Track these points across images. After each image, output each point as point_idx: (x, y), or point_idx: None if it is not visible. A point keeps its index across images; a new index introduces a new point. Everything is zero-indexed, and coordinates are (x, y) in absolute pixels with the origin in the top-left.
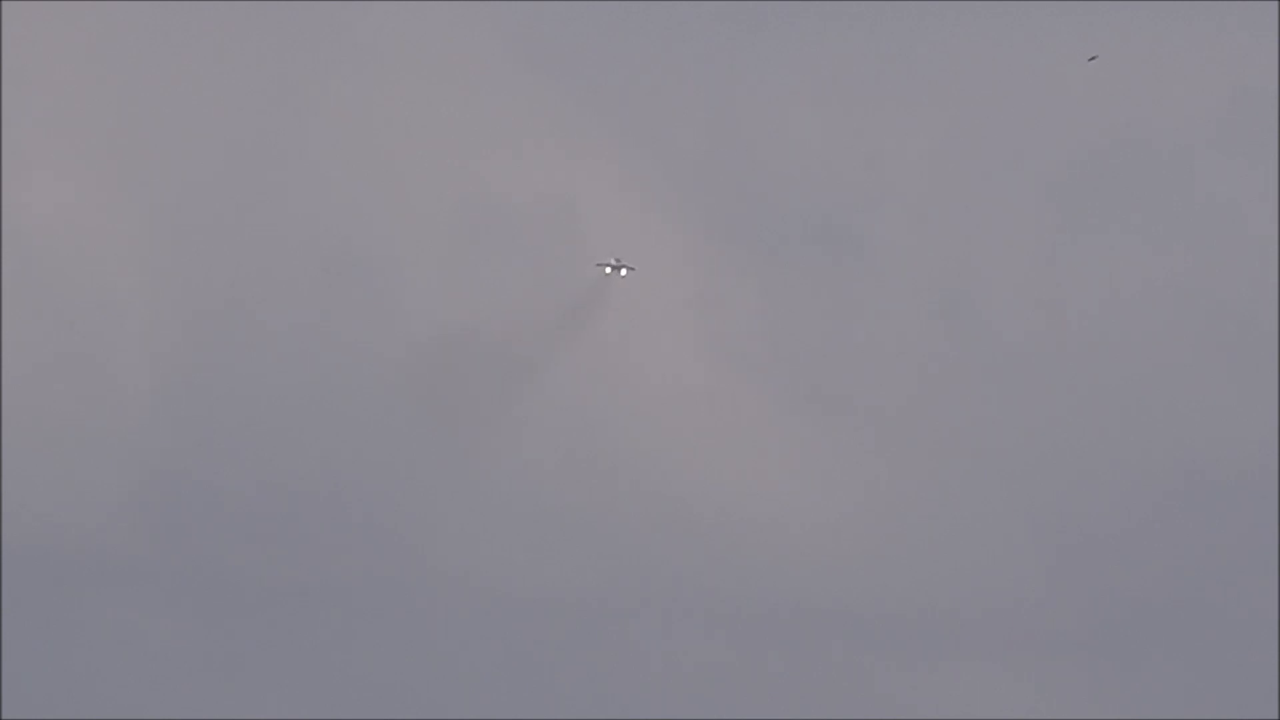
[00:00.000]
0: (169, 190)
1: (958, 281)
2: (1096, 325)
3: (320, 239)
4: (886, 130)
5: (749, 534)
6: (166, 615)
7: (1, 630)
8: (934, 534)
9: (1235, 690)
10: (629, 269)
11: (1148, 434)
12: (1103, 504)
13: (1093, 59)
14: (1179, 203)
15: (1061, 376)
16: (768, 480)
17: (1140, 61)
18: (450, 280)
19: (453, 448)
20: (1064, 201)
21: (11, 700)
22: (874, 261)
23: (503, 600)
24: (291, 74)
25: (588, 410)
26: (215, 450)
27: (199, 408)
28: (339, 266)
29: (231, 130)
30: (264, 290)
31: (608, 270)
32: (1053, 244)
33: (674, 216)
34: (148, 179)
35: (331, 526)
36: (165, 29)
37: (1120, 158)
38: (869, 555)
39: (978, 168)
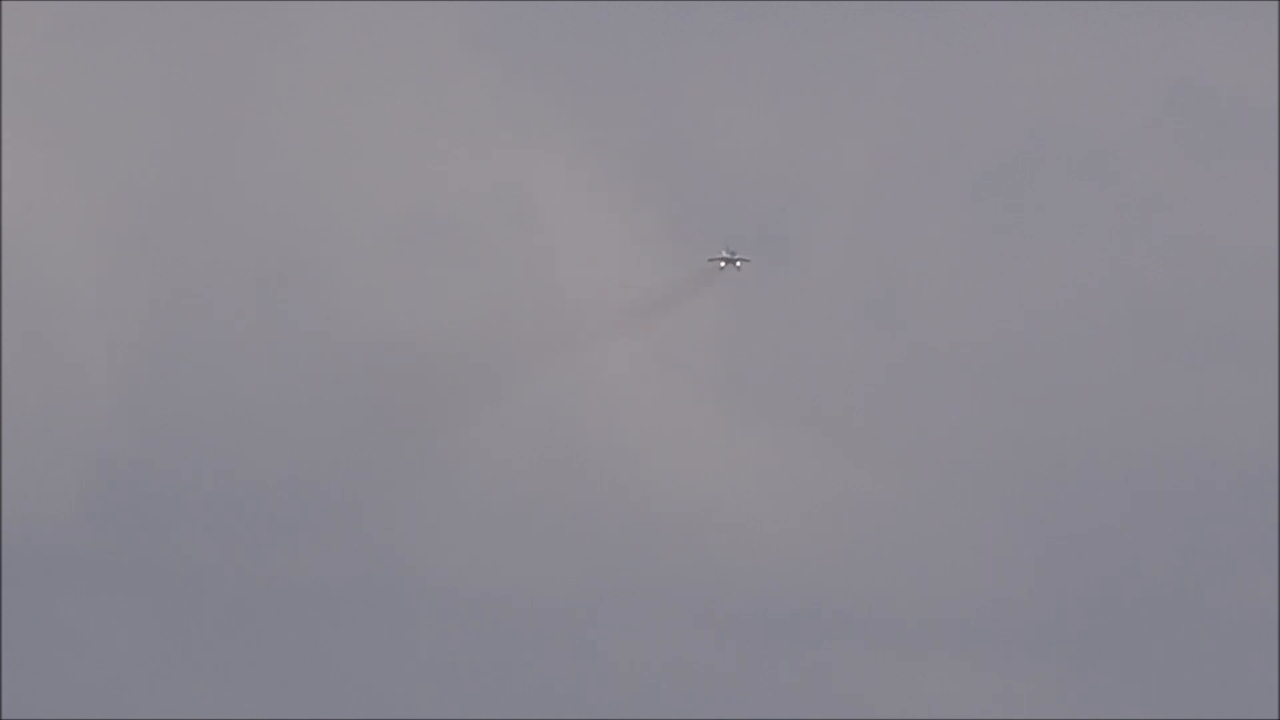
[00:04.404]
0: (128, 185)
1: (909, 280)
2: (1049, 323)
3: (288, 237)
4: (831, 132)
5: (722, 536)
6: (132, 616)
7: None
8: (906, 535)
9: (1224, 689)
10: (744, 260)
11: (1109, 429)
12: (1076, 502)
13: None
14: (1117, 201)
15: (1015, 374)
16: (737, 482)
17: (1074, 60)
18: (413, 282)
19: (421, 449)
20: (1004, 200)
21: None
22: (822, 263)
23: (472, 602)
24: (252, 71)
25: (550, 415)
26: (179, 449)
27: (163, 407)
28: (302, 265)
29: (191, 129)
30: (230, 287)
31: (721, 264)
32: (995, 242)
33: (628, 220)
34: (105, 173)
35: (299, 526)
36: (120, 26)
37: (1060, 155)
38: (842, 557)
39: (923, 168)
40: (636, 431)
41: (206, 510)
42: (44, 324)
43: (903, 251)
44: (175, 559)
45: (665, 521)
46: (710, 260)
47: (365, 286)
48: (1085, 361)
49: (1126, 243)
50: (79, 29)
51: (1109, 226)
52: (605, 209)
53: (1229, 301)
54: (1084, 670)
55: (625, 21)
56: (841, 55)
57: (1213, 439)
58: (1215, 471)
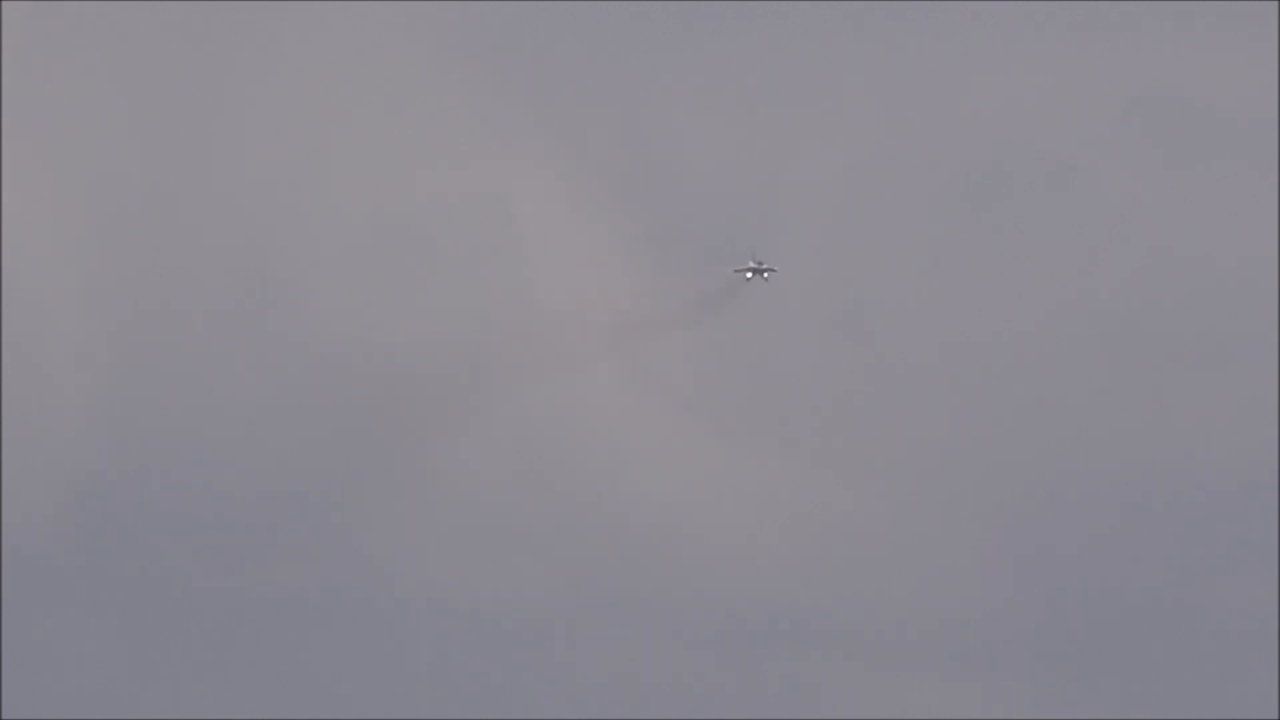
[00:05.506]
0: (107, 197)
1: (888, 293)
2: (1026, 334)
3: (268, 250)
4: (808, 145)
5: (701, 550)
6: (112, 627)
7: None
8: (884, 548)
9: (1209, 697)
10: (771, 271)
11: (1085, 439)
12: (1054, 513)
13: None
14: (1091, 211)
15: (992, 386)
16: (716, 497)
17: (1045, 72)
18: (395, 294)
19: (402, 462)
20: (982, 212)
21: None
22: (799, 276)
23: (450, 614)
24: (231, 82)
25: (530, 429)
26: (158, 463)
27: (142, 420)
28: (283, 279)
29: (170, 139)
30: (210, 301)
31: (748, 275)
32: (973, 254)
33: (609, 232)
34: (84, 184)
35: (279, 538)
36: (99, 35)
37: (1034, 165)
38: (820, 570)
39: (903, 179)
40: (617, 446)
41: (186, 522)
42: (23, 334)
43: (881, 264)
44: (154, 571)
45: (645, 535)
46: (737, 271)
47: (349, 300)
48: (1062, 371)
49: (1099, 252)
50: (59, 38)
51: (1082, 237)
52: (586, 221)
53: (1205, 310)
54: (1063, 679)
55: (607, 31)
56: (819, 67)
57: (1191, 447)
58: (1194, 479)
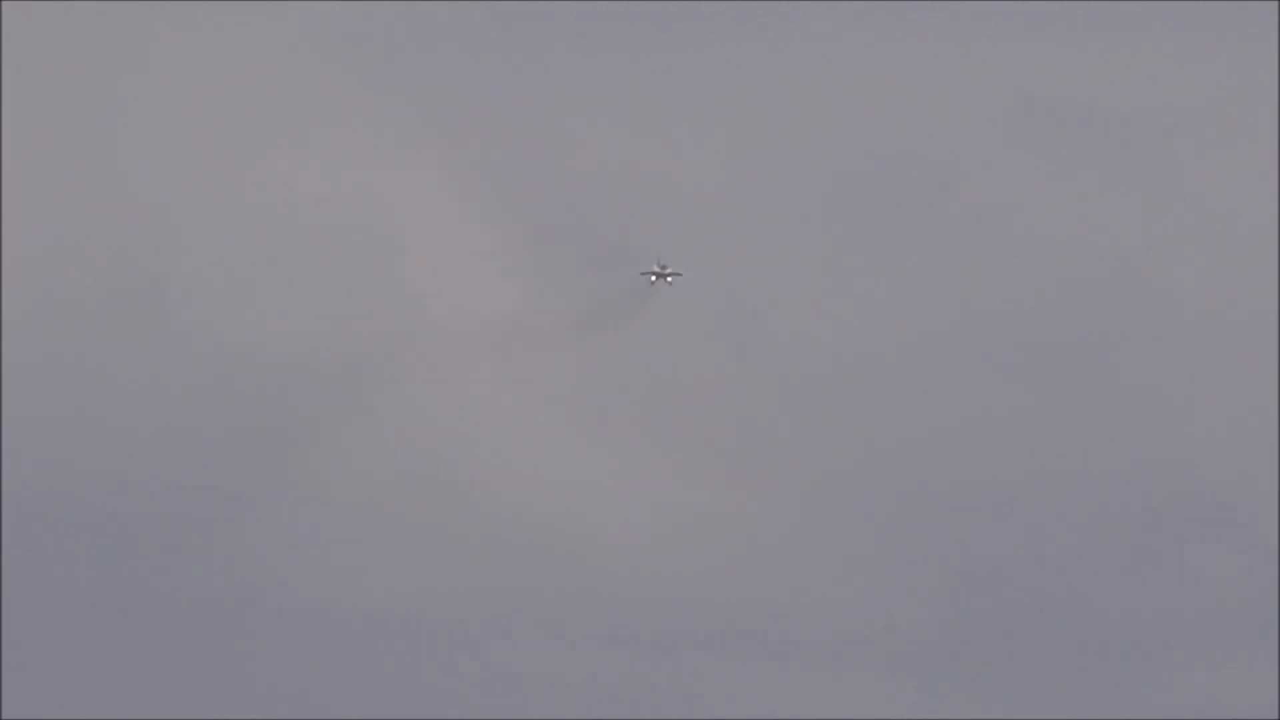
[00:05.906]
0: None
1: (778, 296)
2: (918, 338)
3: (153, 253)
4: (694, 147)
5: (589, 554)
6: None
7: None
8: (768, 550)
9: (1091, 699)
10: (675, 275)
11: (976, 444)
12: (942, 518)
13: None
14: (980, 214)
15: (880, 390)
16: (601, 498)
17: (935, 71)
18: (275, 297)
19: (286, 463)
20: (868, 216)
21: None
22: (686, 279)
23: (332, 613)
24: (117, 87)
25: (417, 430)
26: (42, 461)
27: (24, 419)
28: (168, 281)
29: (56, 140)
30: (97, 302)
31: (652, 279)
32: (859, 259)
33: (494, 236)
34: None
35: (162, 538)
36: None
37: (920, 167)
38: (701, 573)
39: (793, 182)
40: (503, 447)
41: (69, 519)
42: None
43: (777, 267)
44: (41, 570)
45: (534, 537)
46: (642, 274)
47: (235, 300)
48: (961, 372)
49: (995, 255)
50: None
51: (978, 239)
52: (470, 224)
53: (1091, 309)
54: (950, 679)
55: (497, 31)
56: (715, 67)
57: (1078, 448)
58: (1075, 479)
